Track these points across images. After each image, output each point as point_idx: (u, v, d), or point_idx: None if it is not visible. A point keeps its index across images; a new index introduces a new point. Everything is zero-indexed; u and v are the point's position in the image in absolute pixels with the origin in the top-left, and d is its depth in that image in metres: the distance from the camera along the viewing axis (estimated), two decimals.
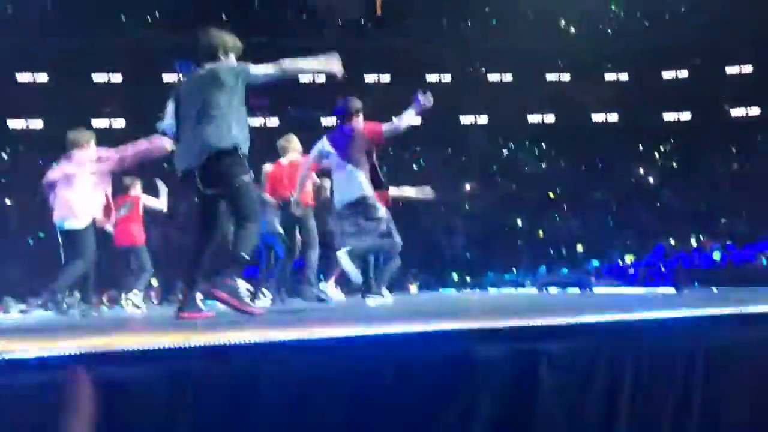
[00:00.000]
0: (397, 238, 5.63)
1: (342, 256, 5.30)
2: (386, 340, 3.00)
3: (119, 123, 25.65)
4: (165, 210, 7.98)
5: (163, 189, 7.82)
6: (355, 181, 5.48)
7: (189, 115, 4.25)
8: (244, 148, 4.20)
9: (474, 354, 3.05)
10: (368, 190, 5.49)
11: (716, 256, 15.77)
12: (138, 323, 4.95)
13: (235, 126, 4.17)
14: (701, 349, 2.98)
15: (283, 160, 7.29)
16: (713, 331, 3.10)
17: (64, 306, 6.31)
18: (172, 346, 2.29)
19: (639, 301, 4.72)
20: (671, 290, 7.82)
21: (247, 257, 4.27)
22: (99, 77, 26.21)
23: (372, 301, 5.63)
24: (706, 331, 3.11)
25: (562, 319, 3.23)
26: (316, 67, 4.72)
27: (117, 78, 26.32)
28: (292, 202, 6.49)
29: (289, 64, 4.31)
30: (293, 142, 7.30)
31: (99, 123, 25.27)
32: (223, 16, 26.66)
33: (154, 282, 16.49)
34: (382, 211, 5.51)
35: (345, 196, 5.54)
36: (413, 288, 15.02)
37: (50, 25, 24.70)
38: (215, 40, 4.37)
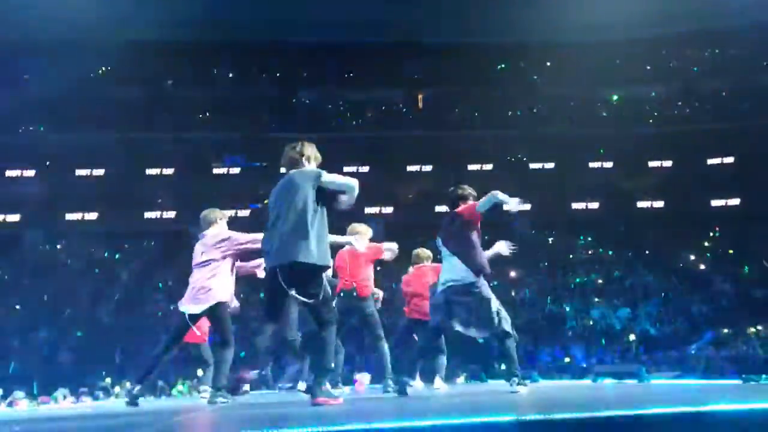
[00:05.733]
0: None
1: None
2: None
3: (170, 214, 26.37)
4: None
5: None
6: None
7: (277, 215, 4.72)
8: (322, 261, 4.61)
9: None
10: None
11: None
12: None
13: (314, 238, 4.58)
14: None
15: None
16: None
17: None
18: None
19: (706, 393, 4.49)
20: (736, 381, 7.47)
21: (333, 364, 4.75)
22: (152, 171, 27.20)
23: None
24: None
25: (623, 411, 3.10)
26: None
27: (168, 171, 27.28)
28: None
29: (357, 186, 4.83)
30: (357, 228, 7.30)
31: (151, 214, 26.15)
32: (270, 115, 27.89)
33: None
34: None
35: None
36: (460, 379, 14.67)
37: (107, 122, 26.12)
38: (299, 150, 4.99)
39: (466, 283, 5.61)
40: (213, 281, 6.03)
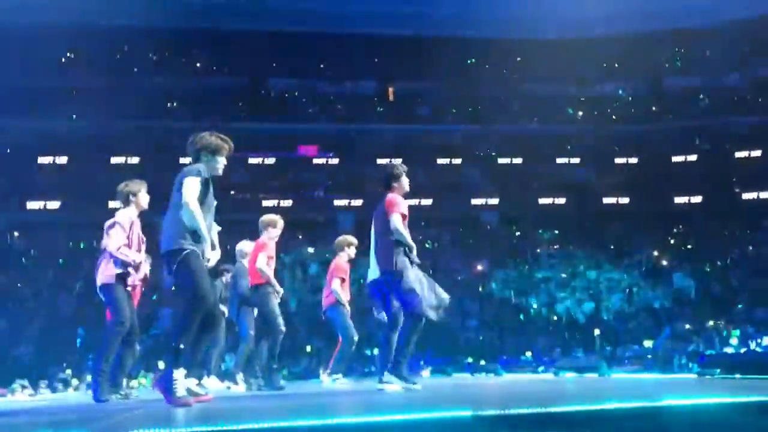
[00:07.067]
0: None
1: None
2: (398, 427, 2.91)
3: None
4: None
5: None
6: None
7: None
8: (171, 245, 4.50)
9: None
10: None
11: (734, 341, 15.47)
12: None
13: (184, 227, 4.50)
14: None
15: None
16: (739, 419, 2.98)
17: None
18: None
19: (661, 387, 4.56)
20: (692, 376, 7.62)
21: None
22: (116, 159, 26.65)
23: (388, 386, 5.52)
24: (730, 418, 3.00)
25: (580, 406, 3.13)
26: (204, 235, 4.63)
27: (134, 160, 26.78)
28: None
29: (194, 216, 4.50)
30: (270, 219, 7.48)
31: (115, 204, 25.64)
32: (239, 104, 27.54)
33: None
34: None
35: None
36: (426, 372, 14.71)
37: (71, 110, 25.55)
38: (200, 143, 4.75)
39: (378, 279, 5.70)
40: (102, 264, 5.94)
